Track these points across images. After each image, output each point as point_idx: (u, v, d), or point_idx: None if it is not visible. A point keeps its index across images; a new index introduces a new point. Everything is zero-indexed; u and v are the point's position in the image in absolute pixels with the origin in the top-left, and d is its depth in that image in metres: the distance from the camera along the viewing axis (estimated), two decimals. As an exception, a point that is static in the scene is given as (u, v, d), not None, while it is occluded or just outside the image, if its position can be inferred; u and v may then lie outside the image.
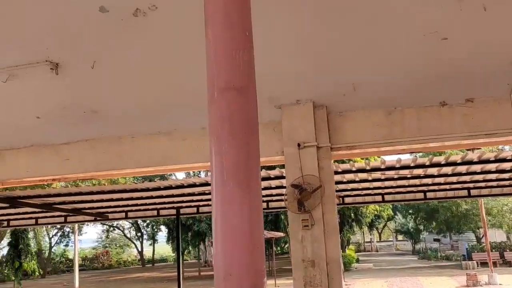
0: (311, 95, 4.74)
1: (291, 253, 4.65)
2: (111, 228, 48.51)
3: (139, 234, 48.46)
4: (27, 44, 4.01)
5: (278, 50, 4.09)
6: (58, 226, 37.14)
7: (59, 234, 43.39)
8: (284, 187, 7.38)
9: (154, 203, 9.25)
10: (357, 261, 32.76)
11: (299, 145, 4.69)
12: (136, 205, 9.26)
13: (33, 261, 25.37)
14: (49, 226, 34.41)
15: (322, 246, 4.42)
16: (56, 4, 3.52)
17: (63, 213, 9.39)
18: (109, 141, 5.47)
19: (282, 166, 6.30)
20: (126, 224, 46.31)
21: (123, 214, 10.75)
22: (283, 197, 8.45)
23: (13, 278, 23.48)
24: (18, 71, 4.31)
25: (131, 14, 3.59)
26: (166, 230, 36.44)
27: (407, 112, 4.90)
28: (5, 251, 28.88)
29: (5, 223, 10.66)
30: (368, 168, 6.62)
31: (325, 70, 4.39)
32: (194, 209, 10.62)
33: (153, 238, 48.19)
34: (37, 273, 29.93)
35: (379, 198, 10.45)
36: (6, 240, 27.26)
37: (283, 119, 4.87)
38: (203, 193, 8.00)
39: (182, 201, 9.26)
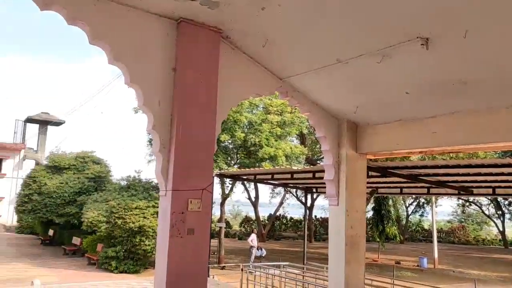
0: None
1: None
2: (467, 203, 46.38)
3: (499, 212, 44.35)
4: (399, 25, 4.27)
5: None
6: (414, 196, 38.60)
7: (414, 204, 45.00)
8: None
9: (531, 181, 8.18)
10: None
11: None
12: (507, 181, 8.44)
13: (394, 227, 27.40)
14: (408, 196, 36.24)
15: None
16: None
17: (426, 185, 9.65)
18: (478, 113, 5.17)
19: None
20: (484, 200, 43.26)
21: (490, 190, 10.07)
22: None
23: (378, 239, 26.23)
24: (390, 51, 4.64)
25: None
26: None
27: None
28: (369, 214, 32.56)
29: (376, 190, 11.99)
30: None
31: None
32: None
33: (517, 219, 43.09)
34: (397, 238, 32.19)
35: None
36: (370, 205, 30.56)
37: None
38: None
39: None
